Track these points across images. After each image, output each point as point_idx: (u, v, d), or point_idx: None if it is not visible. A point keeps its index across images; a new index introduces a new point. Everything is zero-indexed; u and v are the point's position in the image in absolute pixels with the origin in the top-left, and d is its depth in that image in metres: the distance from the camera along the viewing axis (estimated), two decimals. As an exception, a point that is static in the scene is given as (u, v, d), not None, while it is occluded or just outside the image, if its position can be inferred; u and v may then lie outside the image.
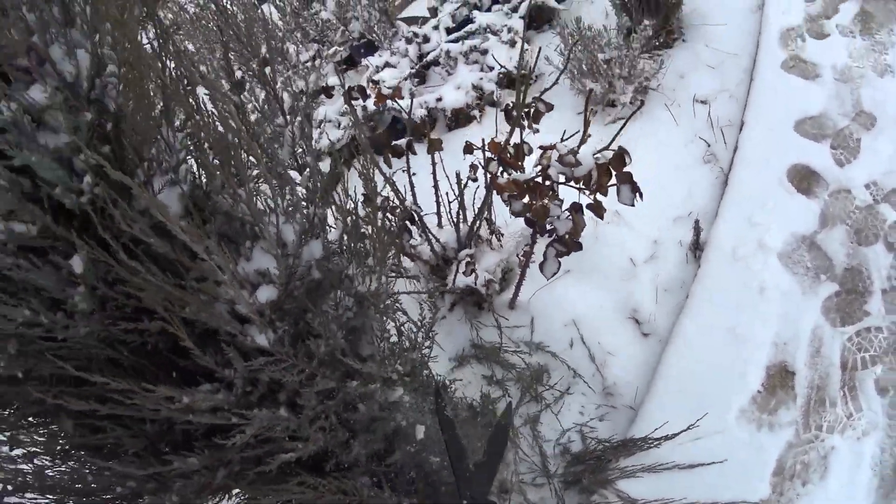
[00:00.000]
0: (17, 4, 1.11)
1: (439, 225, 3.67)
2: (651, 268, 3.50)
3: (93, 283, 1.23)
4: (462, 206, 3.54)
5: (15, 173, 1.12)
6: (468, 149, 2.89)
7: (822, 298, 3.05)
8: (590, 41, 4.36)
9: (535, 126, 2.81)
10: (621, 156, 2.28)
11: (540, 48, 4.71)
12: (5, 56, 1.10)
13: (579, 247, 2.57)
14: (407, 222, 3.28)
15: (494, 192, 2.81)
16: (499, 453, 2.01)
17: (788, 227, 3.34)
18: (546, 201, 2.48)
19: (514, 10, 5.63)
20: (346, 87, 4.26)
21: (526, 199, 2.55)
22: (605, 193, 2.39)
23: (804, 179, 3.52)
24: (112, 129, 1.26)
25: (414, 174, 3.34)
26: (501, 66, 5.15)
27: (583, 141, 2.45)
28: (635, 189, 2.30)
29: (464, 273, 3.24)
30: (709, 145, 3.94)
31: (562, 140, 2.66)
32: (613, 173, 2.34)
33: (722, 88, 4.24)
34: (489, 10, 5.89)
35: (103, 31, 1.21)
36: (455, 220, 3.44)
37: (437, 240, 3.51)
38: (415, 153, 3.20)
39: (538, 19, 5.70)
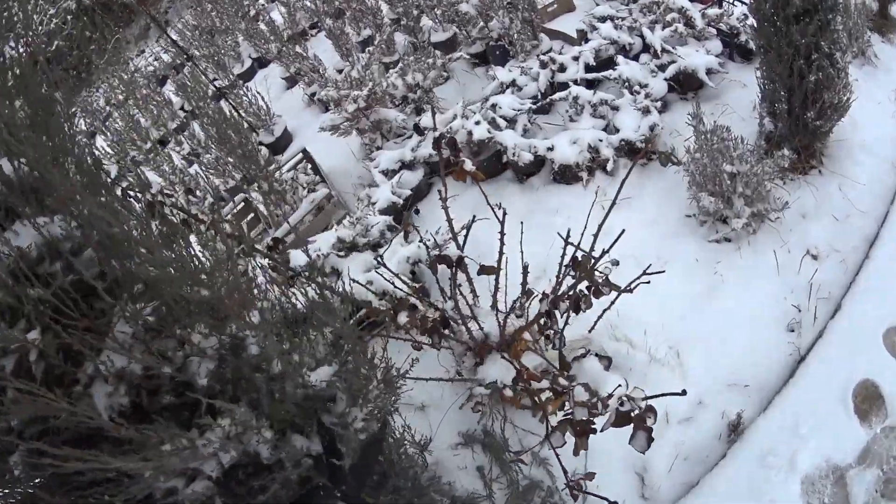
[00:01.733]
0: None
1: (493, 306, 3.91)
2: (682, 430, 3.68)
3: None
4: (523, 292, 3.76)
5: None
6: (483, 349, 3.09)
7: (817, 539, 3.19)
8: (722, 150, 4.39)
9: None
10: (643, 418, 2.45)
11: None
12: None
13: (585, 445, 2.75)
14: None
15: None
16: (371, 459, 2.33)
17: (826, 451, 3.43)
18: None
19: (662, 68, 5.68)
20: (437, 135, 4.46)
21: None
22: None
23: (867, 400, 3.59)
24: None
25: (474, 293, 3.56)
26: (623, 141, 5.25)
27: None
28: (650, 440, 2.47)
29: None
30: (799, 311, 4.02)
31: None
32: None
33: (836, 248, 4.28)
34: (637, 57, 5.96)
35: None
36: (501, 322, 3.67)
37: (481, 328, 3.75)
38: (465, 272, 3.42)
39: (685, 86, 5.74)
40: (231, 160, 6.36)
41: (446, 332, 3.65)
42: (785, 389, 3.72)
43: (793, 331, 3.96)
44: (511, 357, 3.74)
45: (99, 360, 1.69)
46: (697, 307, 4.23)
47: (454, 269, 3.37)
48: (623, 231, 3.14)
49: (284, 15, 10.58)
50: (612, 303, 3.29)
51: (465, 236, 3.63)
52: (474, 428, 4.00)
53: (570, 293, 3.11)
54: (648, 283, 3.00)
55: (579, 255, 3.14)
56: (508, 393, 2.72)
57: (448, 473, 3.89)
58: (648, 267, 3.10)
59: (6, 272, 1.61)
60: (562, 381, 2.58)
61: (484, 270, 3.33)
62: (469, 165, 3.44)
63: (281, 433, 2.20)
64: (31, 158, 1.65)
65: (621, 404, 2.45)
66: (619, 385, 2.53)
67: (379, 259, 3.89)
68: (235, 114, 7.73)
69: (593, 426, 2.58)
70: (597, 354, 2.69)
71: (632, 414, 2.43)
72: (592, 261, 3.03)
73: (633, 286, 3.00)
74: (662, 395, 2.57)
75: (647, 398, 2.46)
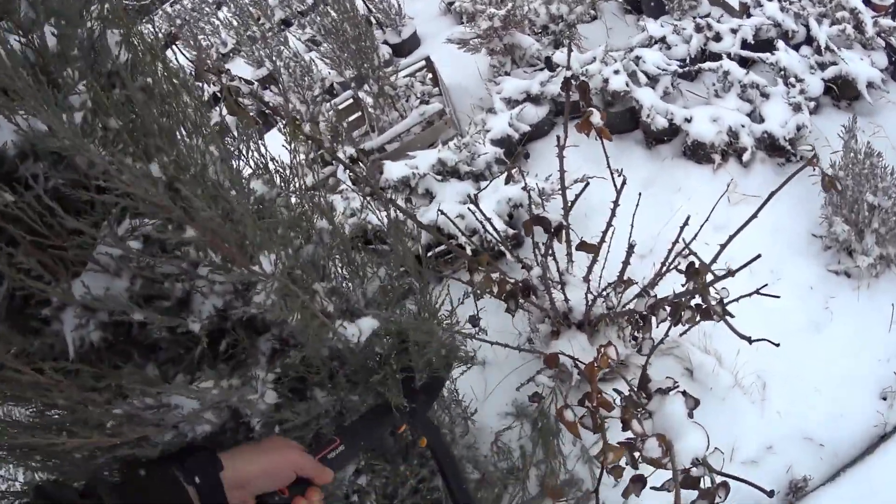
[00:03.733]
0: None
1: (585, 278, 3.70)
2: (743, 472, 3.33)
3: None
4: (620, 278, 3.53)
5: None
6: (552, 360, 2.80)
7: None
8: (869, 177, 4.01)
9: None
10: (713, 493, 2.21)
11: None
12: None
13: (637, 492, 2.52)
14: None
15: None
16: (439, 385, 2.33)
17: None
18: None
19: (821, 66, 5.20)
20: (570, 74, 4.16)
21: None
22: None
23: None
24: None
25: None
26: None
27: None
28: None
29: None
30: (900, 382, 3.65)
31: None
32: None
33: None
34: (797, 48, 5.48)
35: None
36: (589, 302, 3.45)
37: (567, 299, 3.54)
38: (567, 241, 3.18)
39: (840, 93, 5.25)
40: (344, 55, 6.16)
41: (527, 300, 3.45)
42: (858, 464, 3.42)
43: (885, 399, 3.62)
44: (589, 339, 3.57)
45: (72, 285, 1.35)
46: (798, 341, 3.89)
47: (551, 234, 3.06)
48: (759, 255, 2.89)
49: None
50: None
51: (573, 203, 3.40)
52: (528, 404, 3.81)
53: (675, 300, 2.84)
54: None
55: (696, 261, 2.86)
56: (569, 416, 2.45)
57: (488, 443, 3.73)
58: (763, 286, 2.85)
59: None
60: (636, 426, 2.31)
61: (584, 247, 3.06)
62: (597, 119, 3.05)
63: (297, 392, 1.92)
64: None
65: (694, 465, 2.20)
66: (697, 461, 2.25)
67: (472, 197, 3.69)
68: (363, 6, 7.58)
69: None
70: (684, 392, 2.40)
71: (700, 482, 2.20)
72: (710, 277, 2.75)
73: (752, 338, 2.78)
74: (746, 482, 2.33)
75: (725, 475, 2.23)
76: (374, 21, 8.17)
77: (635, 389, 2.60)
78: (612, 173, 3.19)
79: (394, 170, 4.83)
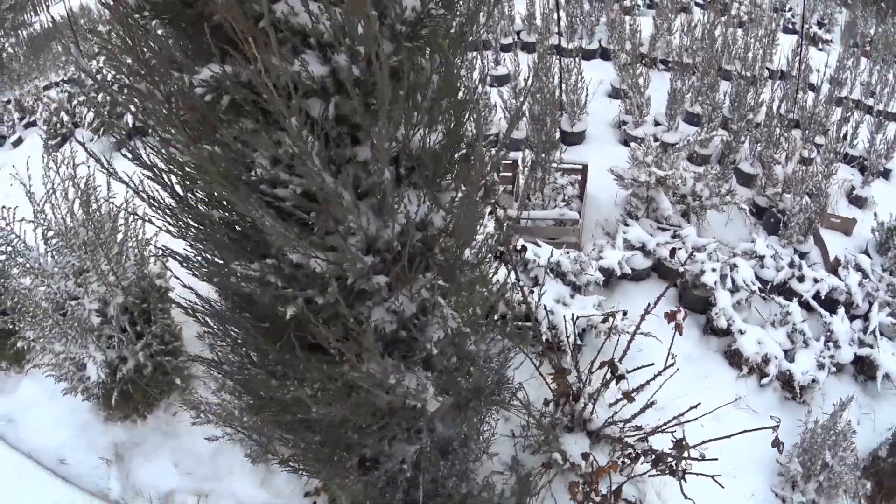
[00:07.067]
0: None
1: (611, 405, 5.35)
2: None
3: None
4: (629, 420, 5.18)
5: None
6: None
7: None
8: (837, 444, 5.50)
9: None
10: None
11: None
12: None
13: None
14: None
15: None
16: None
17: None
18: None
19: (861, 343, 6.81)
20: (674, 273, 5.79)
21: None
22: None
23: None
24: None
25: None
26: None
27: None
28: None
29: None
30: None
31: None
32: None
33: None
34: (854, 318, 7.13)
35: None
36: (604, 423, 5.13)
37: (592, 412, 5.19)
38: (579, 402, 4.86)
39: (862, 369, 6.88)
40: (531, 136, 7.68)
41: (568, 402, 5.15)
42: None
43: None
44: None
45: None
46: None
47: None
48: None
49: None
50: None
51: (638, 388, 5.04)
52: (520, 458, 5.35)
53: (658, 454, 4.55)
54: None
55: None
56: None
57: (483, 473, 5.02)
58: (717, 475, 4.35)
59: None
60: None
61: (626, 396, 4.78)
62: (680, 318, 4.66)
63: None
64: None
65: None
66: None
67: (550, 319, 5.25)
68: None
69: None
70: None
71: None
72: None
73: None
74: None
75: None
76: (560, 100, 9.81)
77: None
78: (667, 357, 4.81)
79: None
